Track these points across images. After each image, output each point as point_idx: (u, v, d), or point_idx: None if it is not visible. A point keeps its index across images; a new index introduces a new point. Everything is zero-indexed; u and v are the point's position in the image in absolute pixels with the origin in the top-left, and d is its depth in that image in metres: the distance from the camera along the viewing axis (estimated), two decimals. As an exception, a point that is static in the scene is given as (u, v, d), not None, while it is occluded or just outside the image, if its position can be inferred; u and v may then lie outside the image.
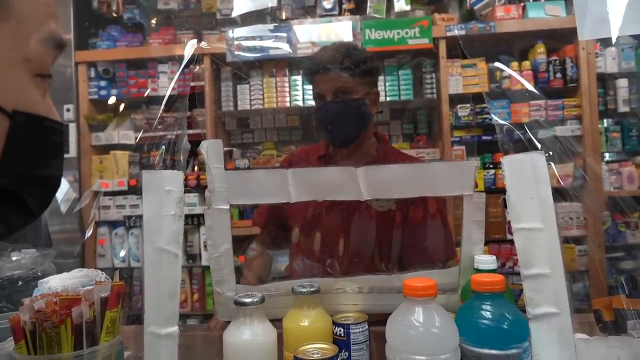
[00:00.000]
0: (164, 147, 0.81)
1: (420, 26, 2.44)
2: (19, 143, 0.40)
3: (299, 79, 2.54)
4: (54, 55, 0.45)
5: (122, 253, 2.52)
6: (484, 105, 2.46)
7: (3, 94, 0.38)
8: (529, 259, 0.65)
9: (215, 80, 2.58)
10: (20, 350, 0.62)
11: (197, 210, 2.48)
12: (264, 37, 2.47)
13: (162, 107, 0.90)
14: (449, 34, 2.43)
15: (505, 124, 0.73)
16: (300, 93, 2.53)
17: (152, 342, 0.66)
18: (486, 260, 0.74)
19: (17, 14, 0.39)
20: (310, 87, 2.52)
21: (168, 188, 0.66)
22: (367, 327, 0.78)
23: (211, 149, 0.74)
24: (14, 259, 0.85)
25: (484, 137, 2.49)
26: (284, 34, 2.48)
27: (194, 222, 2.50)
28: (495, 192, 2.36)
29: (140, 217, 2.55)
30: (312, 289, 0.77)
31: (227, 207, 0.76)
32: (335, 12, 2.62)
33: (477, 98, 2.44)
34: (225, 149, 2.57)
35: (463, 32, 2.42)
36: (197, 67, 2.60)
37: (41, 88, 0.44)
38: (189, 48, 0.90)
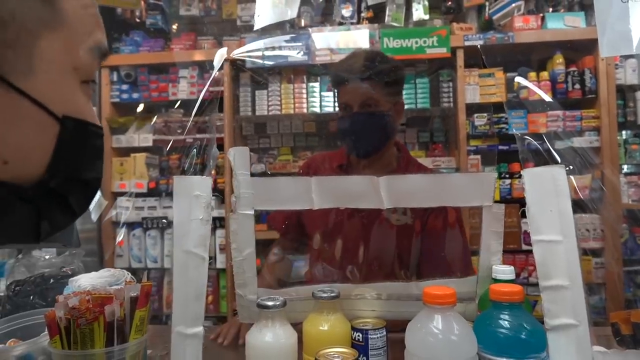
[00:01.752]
0: (195, 150, 0.84)
1: (439, 35, 2.45)
2: (67, 147, 0.43)
3: (316, 85, 2.57)
4: (99, 63, 0.48)
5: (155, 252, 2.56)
6: (501, 115, 2.46)
7: (54, 100, 0.41)
8: (548, 271, 0.66)
9: (234, 85, 2.62)
10: (55, 344, 0.65)
11: (214, 213, 2.51)
12: (283, 46, 2.51)
13: (194, 112, 0.92)
14: (467, 43, 2.44)
15: (527, 138, 0.74)
16: (318, 100, 2.56)
17: (179, 342, 0.69)
18: (504, 271, 0.75)
19: (68, 24, 0.42)
20: (328, 94, 2.57)
21: (197, 193, 0.69)
22: (385, 333, 0.80)
23: (238, 156, 0.77)
24: (46, 257, 0.89)
25: (500, 147, 2.49)
26: (302, 42, 2.52)
27: (211, 225, 2.53)
28: (511, 201, 2.36)
29: (157, 219, 2.60)
30: (332, 294, 0.79)
31: (252, 212, 0.78)
32: (354, 20, 2.65)
33: (494, 108, 2.44)
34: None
35: (481, 42, 2.43)
36: (217, 73, 2.65)
37: (87, 94, 0.46)
38: (219, 57, 0.93)
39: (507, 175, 2.47)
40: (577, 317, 0.65)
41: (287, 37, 2.47)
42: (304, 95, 2.57)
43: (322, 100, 2.57)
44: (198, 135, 2.65)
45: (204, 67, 2.66)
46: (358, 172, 1.15)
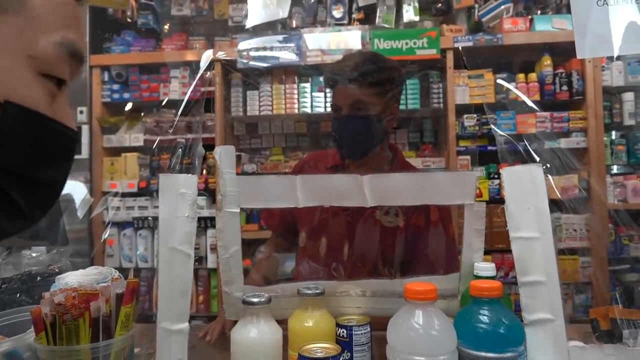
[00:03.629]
0: (180, 150, 0.85)
1: (429, 37, 2.48)
2: (7, 134, 0.40)
3: (307, 86, 2.58)
4: (72, 64, 0.45)
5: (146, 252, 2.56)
6: (490, 115, 2.49)
7: (4, 83, 0.38)
8: (525, 267, 0.67)
9: (225, 85, 2.62)
10: (40, 340, 0.66)
11: (205, 213, 2.52)
12: (274, 47, 2.52)
13: (179, 112, 0.93)
14: (456, 45, 2.46)
15: (504, 136, 0.76)
16: (309, 100, 2.57)
17: (164, 337, 0.70)
18: (485, 268, 0.77)
19: (30, 12, 0.41)
20: (319, 94, 2.58)
21: (183, 191, 0.70)
22: (369, 329, 0.81)
23: (224, 155, 0.78)
24: (33, 255, 0.89)
25: (490, 147, 2.52)
26: (294, 43, 2.53)
27: (201, 224, 2.54)
28: (500, 201, 2.36)
29: (148, 218, 2.60)
30: (317, 291, 0.80)
31: (238, 210, 0.79)
32: (345, 22, 2.67)
33: (483, 109, 2.47)
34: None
35: (470, 44, 2.46)
36: (208, 73, 2.66)
37: (45, 88, 0.43)
38: (205, 58, 0.94)
39: (495, 176, 2.50)
40: (553, 312, 0.67)
41: (279, 37, 2.48)
42: (296, 96, 2.58)
43: (313, 100, 2.58)
44: (188, 135, 2.65)
45: (195, 67, 2.66)
46: (350, 173, 1.16)
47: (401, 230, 1.06)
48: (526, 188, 0.67)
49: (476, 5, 2.64)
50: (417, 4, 2.62)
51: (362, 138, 1.09)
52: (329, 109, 2.61)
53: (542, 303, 0.66)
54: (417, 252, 1.06)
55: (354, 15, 2.69)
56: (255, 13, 1.74)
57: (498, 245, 2.46)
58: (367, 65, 1.11)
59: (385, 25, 2.63)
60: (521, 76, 2.54)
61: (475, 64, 2.55)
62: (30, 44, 0.40)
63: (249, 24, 2.18)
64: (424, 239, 1.05)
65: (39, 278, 0.84)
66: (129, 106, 2.69)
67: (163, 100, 2.64)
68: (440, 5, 2.72)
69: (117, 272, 0.92)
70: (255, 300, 0.74)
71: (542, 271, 0.66)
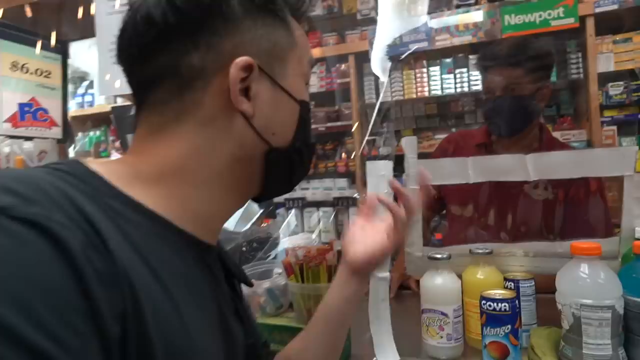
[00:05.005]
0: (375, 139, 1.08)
1: (565, 5, 2.39)
2: (302, 121, 0.59)
3: (437, 69, 2.69)
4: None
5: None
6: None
7: (296, 93, 0.58)
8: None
9: (358, 75, 2.86)
10: (292, 280, 0.95)
11: (346, 193, 2.81)
12: (403, 34, 2.66)
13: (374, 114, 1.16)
14: (597, 10, 2.35)
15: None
16: (439, 83, 2.68)
17: (373, 282, 0.94)
18: (647, 230, 0.87)
19: (298, 45, 0.60)
20: (449, 76, 2.67)
21: (382, 173, 0.92)
22: (533, 283, 0.97)
23: (408, 143, 0.99)
24: (265, 225, 1.23)
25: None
26: (422, 29, 2.64)
27: (343, 204, 2.84)
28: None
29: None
30: (486, 250, 0.98)
31: (418, 187, 1.00)
32: (472, 1, 2.69)
33: (632, 75, 2.33)
34: (369, 137, 2.86)
35: (615, 6, 2.32)
36: (343, 66, 2.92)
37: (307, 91, 0.64)
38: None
39: (648, 145, 2.35)
40: None
41: (410, 28, 2.61)
42: (425, 79, 2.71)
43: (443, 82, 2.68)
44: (328, 124, 2.95)
45: (330, 62, 2.94)
46: (500, 151, 1.30)
47: (560, 201, 1.17)
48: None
49: (621, -38, 2.46)
50: (550, -28, 2.54)
51: (517, 117, 1.22)
52: (459, 90, 2.70)
53: None
54: (575, 219, 1.16)
55: (481, -7, 2.71)
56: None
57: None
58: (520, 50, 1.23)
59: (516, -1, 2.60)
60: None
61: (621, 27, 2.40)
62: (302, 65, 0.61)
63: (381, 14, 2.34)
64: (582, 207, 1.15)
65: (269, 240, 1.16)
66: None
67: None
68: (577, -31, 2.59)
69: (318, 235, 1.20)
70: (438, 256, 0.95)
71: None
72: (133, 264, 0.40)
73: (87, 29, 1.49)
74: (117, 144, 3.47)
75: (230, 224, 1.20)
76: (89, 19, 1.50)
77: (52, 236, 0.35)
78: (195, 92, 0.52)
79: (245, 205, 1.26)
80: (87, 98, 3.57)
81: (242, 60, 0.51)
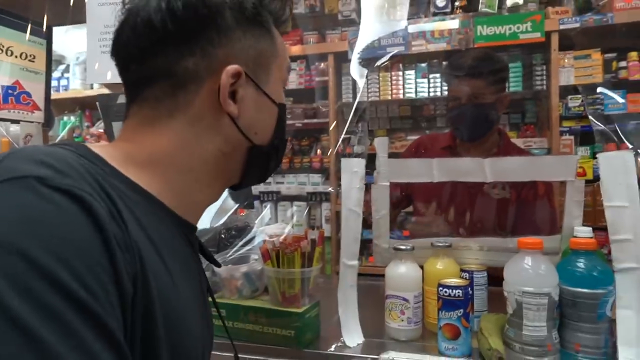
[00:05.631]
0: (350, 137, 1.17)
1: (533, 21, 2.54)
2: (280, 122, 0.66)
3: (412, 73, 2.81)
4: None
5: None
6: (597, 96, 2.52)
7: (275, 96, 0.66)
8: (616, 228, 0.89)
9: (337, 75, 2.94)
10: (268, 265, 1.03)
11: (320, 189, 2.90)
12: (381, 38, 2.76)
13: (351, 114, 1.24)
14: (562, 27, 2.51)
15: (593, 121, 0.96)
16: (413, 87, 2.80)
17: (343, 269, 1.03)
18: (584, 230, 0.99)
19: (279, 53, 0.67)
20: (423, 80, 2.78)
21: (355, 170, 1.01)
22: (485, 275, 1.08)
23: (380, 143, 1.08)
24: (243, 214, 1.30)
25: (593, 127, 2.55)
26: (400, 33, 2.75)
27: (316, 199, 2.92)
28: (605, 181, 2.43)
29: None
30: (446, 244, 1.09)
31: (388, 184, 1.10)
32: (448, 10, 2.82)
33: (588, 89, 2.51)
34: (345, 136, 2.96)
35: (577, 25, 2.49)
36: (322, 64, 2.99)
37: (284, 94, 0.72)
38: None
39: (601, 155, 2.54)
40: (638, 262, 0.88)
41: (389, 32, 2.71)
42: (401, 82, 2.82)
43: (417, 86, 2.80)
44: (305, 120, 3.03)
45: (310, 60, 3.01)
46: (463, 154, 1.42)
47: (512, 201, 1.30)
48: (619, 169, 0.88)
49: (585, -16, 2.64)
50: (521, -13, 2.69)
51: (479, 124, 1.34)
52: (432, 94, 2.83)
53: (629, 255, 0.88)
54: (525, 218, 1.29)
55: (457, 3, 2.83)
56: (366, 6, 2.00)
57: (603, 223, 2.51)
58: (484, 63, 1.35)
59: (489, 11, 2.74)
60: (633, 54, 2.52)
61: (581, 44, 2.57)
62: (282, 72, 0.68)
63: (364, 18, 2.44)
64: (531, 208, 1.28)
65: (247, 229, 1.23)
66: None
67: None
68: (545, -14, 2.75)
69: (289, 226, 1.28)
70: (403, 247, 1.05)
71: (630, 231, 0.87)
72: (139, 236, 0.47)
73: (68, 14, 1.51)
74: (93, 129, 3.44)
75: (205, 221, 1.26)
76: (68, 4, 1.53)
77: (83, 204, 0.40)
78: (188, 93, 0.57)
79: (221, 201, 1.32)
80: (63, 82, 3.53)
81: (232, 68, 0.57)
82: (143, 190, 0.53)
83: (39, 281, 0.35)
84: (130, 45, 0.58)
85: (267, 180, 3.09)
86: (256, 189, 3.08)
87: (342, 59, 2.91)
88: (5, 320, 0.33)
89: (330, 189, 2.87)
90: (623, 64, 2.56)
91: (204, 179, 0.60)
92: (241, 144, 0.61)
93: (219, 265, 0.79)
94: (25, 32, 1.39)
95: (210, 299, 0.72)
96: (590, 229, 0.99)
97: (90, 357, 0.36)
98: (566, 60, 2.55)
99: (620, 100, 2.49)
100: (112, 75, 1.09)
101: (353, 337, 1.02)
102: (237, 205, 1.33)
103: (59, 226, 0.38)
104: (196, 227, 0.64)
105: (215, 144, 0.59)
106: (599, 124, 0.95)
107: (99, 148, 0.54)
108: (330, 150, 2.90)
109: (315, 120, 2.97)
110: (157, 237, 0.51)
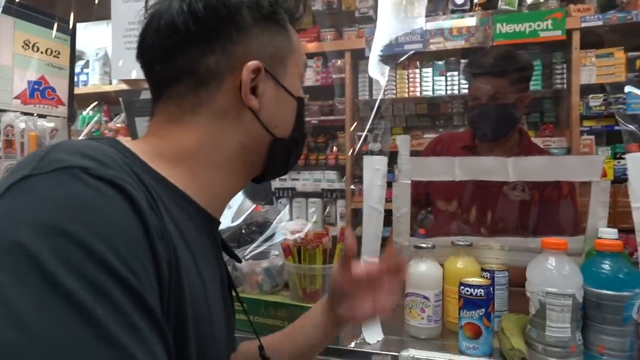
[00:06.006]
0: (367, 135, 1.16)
1: (554, 18, 2.50)
2: (299, 115, 0.68)
3: (429, 71, 2.79)
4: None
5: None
6: (619, 95, 2.47)
7: (294, 90, 0.67)
8: (643, 230, 0.88)
9: (353, 72, 2.94)
10: (289, 260, 1.04)
11: (335, 186, 2.90)
12: (399, 35, 2.75)
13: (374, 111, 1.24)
14: (584, 24, 2.47)
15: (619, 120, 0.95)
16: (431, 84, 2.78)
17: (364, 266, 1.04)
18: (609, 231, 0.98)
19: (295, 49, 0.69)
20: (440, 78, 2.77)
21: (377, 167, 1.01)
22: (507, 274, 1.07)
23: (402, 141, 1.08)
24: (262, 210, 1.31)
25: (617, 127, 2.51)
26: (417, 31, 2.73)
27: (332, 196, 2.93)
28: (625, 181, 2.38)
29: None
30: (467, 243, 1.08)
31: (409, 182, 1.10)
32: (467, 7, 2.79)
33: (612, 88, 2.46)
34: (359, 133, 2.95)
35: (600, 23, 2.45)
36: (339, 61, 2.99)
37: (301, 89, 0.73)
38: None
39: (623, 156, 2.49)
40: (666, 265, 0.87)
41: (406, 29, 2.70)
42: (418, 80, 2.81)
43: (434, 84, 2.78)
44: (321, 117, 3.03)
45: (327, 57, 3.01)
46: (483, 153, 1.41)
47: (534, 202, 1.28)
48: (647, 169, 0.87)
49: (608, -19, 2.59)
50: (542, -15, 2.65)
51: (502, 124, 1.32)
52: (450, 92, 2.81)
53: (656, 257, 0.87)
54: (547, 218, 1.28)
55: (475, 0, 2.80)
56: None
57: (623, 224, 2.46)
58: (507, 61, 1.33)
59: (508, 8, 2.70)
60: (657, 53, 2.47)
61: (604, 43, 2.53)
62: (299, 67, 0.70)
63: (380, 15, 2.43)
64: (554, 208, 1.27)
65: (268, 224, 1.24)
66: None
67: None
68: (567, -17, 2.71)
69: (309, 224, 1.29)
70: (424, 245, 1.05)
71: (658, 233, 0.86)
72: (170, 226, 0.49)
73: (93, 11, 1.54)
74: (111, 124, 3.49)
75: (226, 221, 1.28)
76: (93, 1, 1.55)
77: (126, 194, 0.43)
78: (210, 89, 0.60)
79: (239, 202, 1.33)
80: (82, 77, 3.58)
81: (252, 64, 0.60)
82: (171, 184, 0.55)
83: (88, 261, 0.38)
84: (155, 47, 0.61)
85: (283, 177, 3.12)
86: (272, 185, 3.10)
87: (359, 56, 2.91)
88: (60, 297, 0.36)
89: (352, 186, 2.84)
90: (647, 62, 2.51)
91: (228, 172, 0.62)
92: (263, 138, 0.64)
93: (239, 261, 0.80)
94: (52, 28, 1.42)
95: (234, 293, 0.73)
96: (616, 230, 0.98)
97: (138, 334, 0.38)
98: (587, 59, 2.50)
99: (644, 99, 2.44)
100: (137, 72, 1.11)
101: (373, 333, 1.02)
102: (253, 206, 1.34)
103: (104, 212, 0.41)
104: (220, 222, 0.66)
105: (238, 137, 0.61)
106: (627, 124, 0.94)
107: (130, 143, 0.56)
108: (346, 146, 2.90)
109: (331, 118, 2.97)
110: (184, 229, 0.53)
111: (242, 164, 0.64)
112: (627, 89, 2.07)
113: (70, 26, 1.49)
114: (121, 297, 0.38)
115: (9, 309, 0.34)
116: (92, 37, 3.42)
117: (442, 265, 1.07)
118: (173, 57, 0.59)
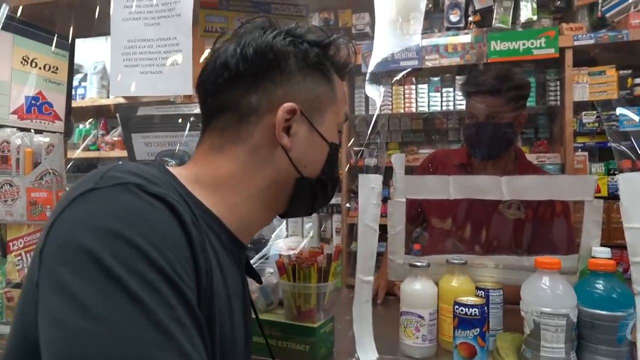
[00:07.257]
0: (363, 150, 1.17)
1: (547, 37, 2.55)
2: (330, 159, 0.73)
3: (425, 87, 2.82)
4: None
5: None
6: (612, 112, 2.50)
7: (328, 136, 0.72)
8: (636, 250, 0.88)
9: (350, 88, 2.96)
10: (284, 279, 1.04)
11: (332, 201, 2.90)
12: (394, 52, 2.78)
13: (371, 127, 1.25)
14: (576, 43, 2.51)
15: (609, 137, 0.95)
16: (426, 100, 2.81)
17: (359, 284, 1.03)
18: (602, 250, 0.98)
19: (338, 100, 0.74)
20: (435, 94, 2.79)
21: (372, 186, 1.02)
22: (502, 293, 1.07)
23: (397, 159, 1.09)
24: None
25: (610, 144, 2.53)
26: (413, 47, 2.77)
27: (328, 211, 2.93)
28: (619, 198, 2.40)
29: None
30: (462, 261, 1.08)
31: (404, 200, 1.10)
32: (462, 25, 2.84)
33: (603, 105, 2.50)
34: (356, 148, 2.97)
35: (592, 41, 2.49)
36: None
37: (338, 137, 0.76)
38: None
39: (615, 172, 2.51)
40: (659, 285, 0.87)
41: (403, 46, 2.73)
42: (413, 96, 2.83)
43: (430, 100, 2.81)
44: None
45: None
46: (479, 171, 1.42)
47: (528, 220, 1.29)
48: (638, 189, 0.88)
49: (599, 1, 2.63)
50: (534, 4, 2.70)
51: (497, 143, 1.33)
52: (445, 108, 2.84)
53: (649, 278, 0.87)
54: (542, 237, 1.28)
55: (470, 18, 2.85)
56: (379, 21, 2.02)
57: (616, 240, 2.47)
58: (503, 81, 1.34)
59: (502, 26, 2.75)
60: (648, 71, 2.51)
61: (596, 61, 2.57)
62: (338, 118, 0.75)
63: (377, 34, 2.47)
64: (548, 227, 1.27)
65: (263, 242, 1.24)
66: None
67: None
68: (559, 2, 2.76)
69: (306, 240, 1.29)
70: (418, 264, 1.05)
71: (650, 253, 0.87)
72: (205, 242, 0.55)
73: (92, 27, 1.55)
74: (107, 138, 3.49)
75: None
76: (93, 17, 1.56)
77: (173, 209, 0.49)
78: (249, 124, 0.66)
79: None
80: (80, 91, 3.59)
81: (288, 105, 0.65)
82: (206, 208, 0.61)
83: (140, 261, 0.44)
84: (208, 82, 0.68)
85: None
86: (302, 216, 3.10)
87: (355, 72, 2.93)
88: (119, 289, 0.42)
89: (347, 205, 2.84)
90: (638, 80, 2.55)
91: (257, 204, 0.68)
92: (291, 175, 0.69)
93: (260, 282, 0.86)
94: (51, 44, 1.43)
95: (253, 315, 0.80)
96: (609, 249, 0.99)
97: (185, 329, 0.44)
98: (580, 77, 2.54)
99: (636, 117, 2.47)
100: (135, 87, 1.12)
101: (367, 353, 1.01)
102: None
103: (155, 222, 0.48)
104: (247, 247, 0.72)
105: (269, 171, 0.67)
106: (618, 143, 0.95)
107: (173, 169, 0.63)
108: (343, 162, 2.91)
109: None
110: (216, 248, 0.60)
111: (270, 197, 0.69)
112: (618, 111, 2.10)
113: (69, 42, 1.50)
114: (169, 293, 0.44)
115: (77, 300, 0.41)
116: (90, 50, 3.44)
117: (436, 283, 1.07)
118: (222, 92, 0.67)
